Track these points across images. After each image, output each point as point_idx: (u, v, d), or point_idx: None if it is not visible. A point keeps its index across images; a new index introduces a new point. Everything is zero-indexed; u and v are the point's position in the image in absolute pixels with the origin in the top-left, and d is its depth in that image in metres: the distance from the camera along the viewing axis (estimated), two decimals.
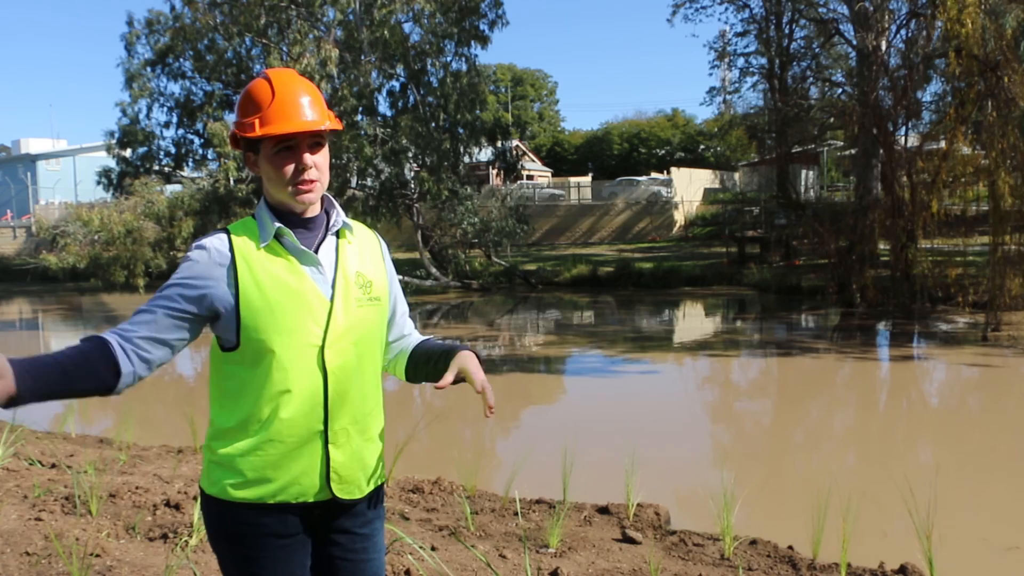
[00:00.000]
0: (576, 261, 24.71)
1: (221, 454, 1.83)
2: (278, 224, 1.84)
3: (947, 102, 16.26)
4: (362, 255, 1.95)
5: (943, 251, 16.16)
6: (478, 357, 1.94)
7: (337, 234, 1.93)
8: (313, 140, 1.84)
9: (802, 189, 31.19)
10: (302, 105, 1.82)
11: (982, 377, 10.62)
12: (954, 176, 15.22)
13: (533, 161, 47.13)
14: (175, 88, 41.01)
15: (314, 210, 1.90)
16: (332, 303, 1.85)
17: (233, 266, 1.80)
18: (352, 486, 1.89)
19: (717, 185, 39.36)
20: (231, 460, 1.82)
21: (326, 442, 1.84)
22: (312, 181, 1.83)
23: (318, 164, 1.84)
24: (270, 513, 1.82)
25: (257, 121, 1.80)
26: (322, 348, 1.82)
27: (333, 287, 1.86)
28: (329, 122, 1.84)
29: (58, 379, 1.67)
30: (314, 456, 1.83)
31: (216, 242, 1.83)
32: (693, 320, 18.18)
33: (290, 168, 1.82)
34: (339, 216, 1.93)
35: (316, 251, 1.88)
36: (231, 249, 1.81)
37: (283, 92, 1.81)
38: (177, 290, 1.79)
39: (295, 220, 1.87)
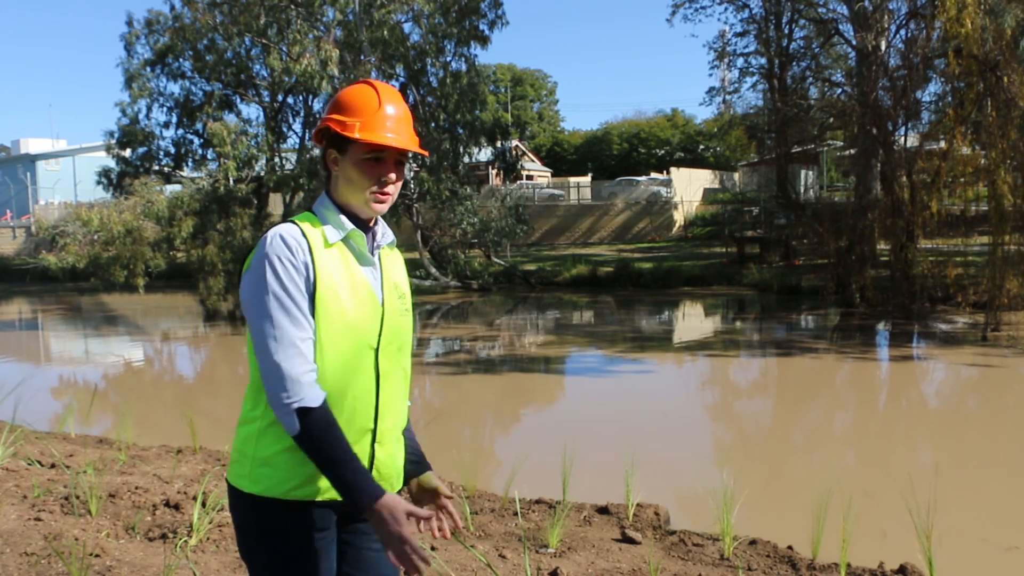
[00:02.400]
0: (576, 261, 24.70)
1: (271, 453, 1.83)
2: (352, 226, 1.90)
3: (947, 102, 16.24)
4: (396, 268, 2.04)
5: (943, 251, 16.15)
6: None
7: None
8: (399, 158, 1.92)
9: (802, 189, 31.18)
10: (402, 122, 1.91)
11: (982, 377, 10.62)
12: (954, 176, 15.22)
13: (533, 161, 47.14)
14: (175, 88, 41.00)
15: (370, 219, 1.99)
16: (384, 308, 1.91)
17: (312, 259, 1.82)
18: (388, 483, 1.94)
19: (717, 185, 39.35)
20: (284, 458, 1.82)
21: (373, 440, 1.90)
22: (389, 194, 1.91)
23: (397, 181, 1.93)
24: (314, 508, 1.85)
25: (358, 124, 1.86)
26: (376, 350, 1.89)
27: (383, 293, 1.93)
28: (418, 148, 1.94)
29: None
30: (363, 454, 1.87)
31: (292, 231, 1.83)
32: (693, 320, 18.18)
33: (375, 177, 1.88)
34: (387, 230, 2.01)
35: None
36: (307, 241, 1.84)
37: (389, 104, 1.90)
38: (285, 294, 1.77)
39: (357, 224, 1.93)
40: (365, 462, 1.88)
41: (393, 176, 1.90)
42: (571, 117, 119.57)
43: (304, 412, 1.72)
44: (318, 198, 1.96)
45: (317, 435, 1.73)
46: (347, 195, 1.91)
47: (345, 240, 1.90)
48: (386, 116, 1.88)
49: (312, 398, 1.73)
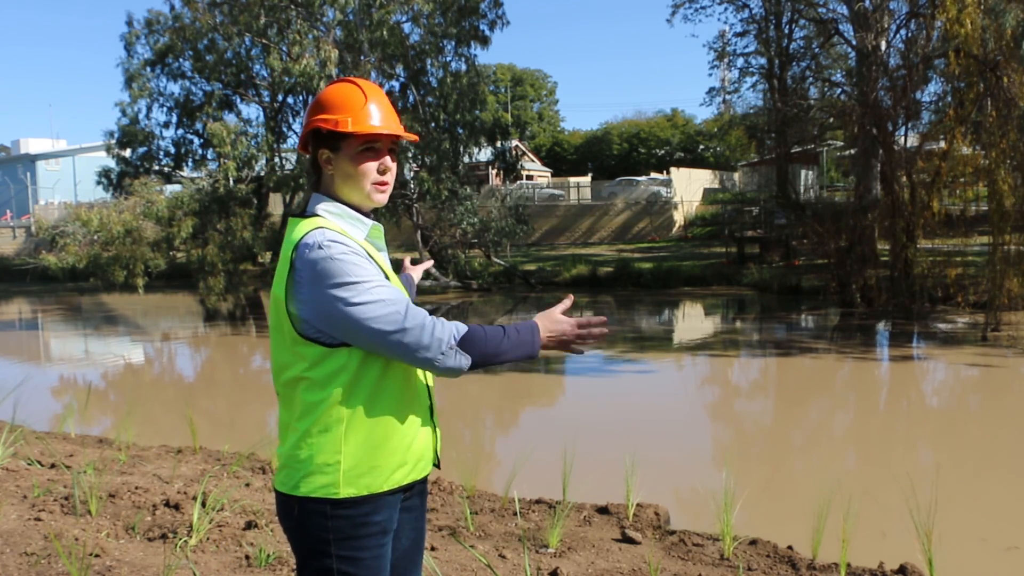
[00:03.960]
0: (576, 261, 24.70)
1: (363, 450, 1.84)
2: (370, 221, 1.95)
3: (947, 102, 16.24)
4: None
5: (943, 251, 16.15)
6: None
7: None
8: (392, 146, 1.96)
9: (802, 189, 31.18)
10: (389, 111, 1.97)
11: (982, 377, 10.62)
12: (954, 176, 15.22)
13: (533, 161, 47.14)
14: (175, 88, 41.07)
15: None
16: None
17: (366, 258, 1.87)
18: (437, 452, 2.08)
19: (717, 185, 39.36)
20: (375, 452, 1.85)
21: (431, 414, 2.02)
22: (387, 183, 1.96)
23: (393, 169, 1.97)
24: (392, 495, 1.90)
25: (350, 119, 1.89)
26: None
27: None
28: (408, 134, 2.00)
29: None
30: (427, 428, 1.98)
31: (333, 233, 1.85)
32: (693, 320, 18.18)
33: (372, 167, 1.93)
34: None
35: None
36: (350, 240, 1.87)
37: (374, 97, 1.95)
38: (373, 275, 1.81)
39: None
40: (430, 435, 1.99)
41: (389, 161, 1.95)
42: (571, 117, 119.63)
43: (464, 342, 1.79)
44: (311, 200, 1.96)
45: (485, 347, 1.80)
46: (347, 191, 1.93)
47: (366, 236, 1.95)
48: (374, 107, 1.93)
49: (457, 327, 1.80)
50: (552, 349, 1.90)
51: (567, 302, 1.96)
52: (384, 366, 1.86)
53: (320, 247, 1.79)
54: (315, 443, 1.84)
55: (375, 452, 1.85)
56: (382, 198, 1.96)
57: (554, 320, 1.89)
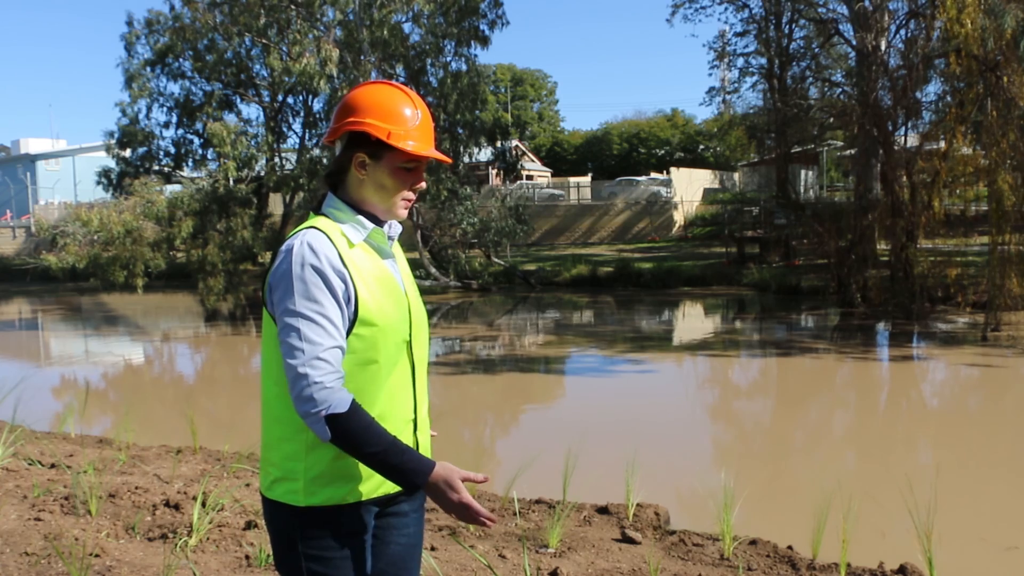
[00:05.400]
0: (576, 261, 24.70)
1: (327, 463, 1.82)
2: (371, 224, 1.91)
3: (947, 102, 16.24)
4: (403, 258, 2.08)
5: (943, 251, 16.15)
6: None
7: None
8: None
9: (802, 189, 31.17)
10: (433, 131, 1.96)
11: (982, 377, 10.62)
12: (954, 176, 15.22)
13: (533, 161, 47.13)
14: (175, 88, 40.98)
15: None
16: (408, 300, 1.95)
17: (344, 265, 1.81)
18: None
19: (717, 185, 39.33)
20: (340, 466, 1.82)
21: (415, 429, 1.96)
22: (413, 200, 1.96)
23: (423, 187, 1.99)
24: (362, 507, 1.88)
25: (403, 133, 1.88)
26: (409, 342, 1.93)
27: (404, 285, 1.97)
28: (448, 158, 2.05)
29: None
30: (407, 443, 1.90)
31: (318, 238, 1.81)
32: (693, 320, 18.18)
33: (407, 184, 1.92)
34: (394, 223, 2.01)
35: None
36: (336, 248, 1.82)
37: (425, 115, 1.95)
38: (313, 303, 1.75)
39: (372, 222, 1.94)
40: None
41: (423, 184, 1.95)
42: (571, 117, 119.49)
43: (333, 418, 1.70)
44: (325, 198, 1.93)
45: (352, 437, 1.72)
46: (374, 199, 1.91)
47: (366, 238, 1.90)
48: (427, 127, 1.93)
49: (339, 403, 1.71)
50: (431, 498, 1.81)
51: (479, 477, 1.83)
52: (361, 377, 1.82)
53: (291, 250, 1.79)
54: (283, 449, 1.84)
55: (340, 464, 1.82)
56: (404, 214, 1.95)
57: (450, 481, 1.77)
